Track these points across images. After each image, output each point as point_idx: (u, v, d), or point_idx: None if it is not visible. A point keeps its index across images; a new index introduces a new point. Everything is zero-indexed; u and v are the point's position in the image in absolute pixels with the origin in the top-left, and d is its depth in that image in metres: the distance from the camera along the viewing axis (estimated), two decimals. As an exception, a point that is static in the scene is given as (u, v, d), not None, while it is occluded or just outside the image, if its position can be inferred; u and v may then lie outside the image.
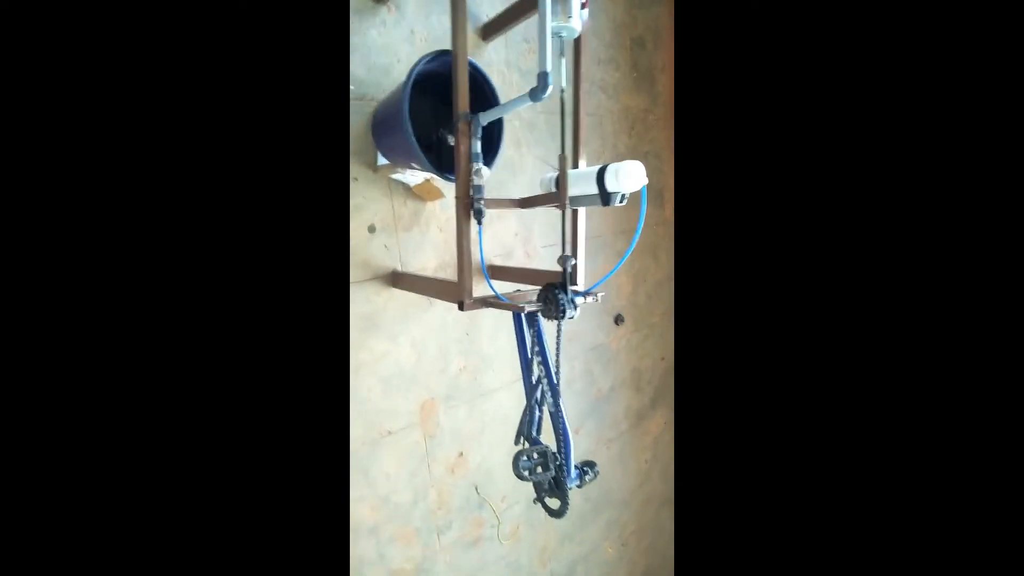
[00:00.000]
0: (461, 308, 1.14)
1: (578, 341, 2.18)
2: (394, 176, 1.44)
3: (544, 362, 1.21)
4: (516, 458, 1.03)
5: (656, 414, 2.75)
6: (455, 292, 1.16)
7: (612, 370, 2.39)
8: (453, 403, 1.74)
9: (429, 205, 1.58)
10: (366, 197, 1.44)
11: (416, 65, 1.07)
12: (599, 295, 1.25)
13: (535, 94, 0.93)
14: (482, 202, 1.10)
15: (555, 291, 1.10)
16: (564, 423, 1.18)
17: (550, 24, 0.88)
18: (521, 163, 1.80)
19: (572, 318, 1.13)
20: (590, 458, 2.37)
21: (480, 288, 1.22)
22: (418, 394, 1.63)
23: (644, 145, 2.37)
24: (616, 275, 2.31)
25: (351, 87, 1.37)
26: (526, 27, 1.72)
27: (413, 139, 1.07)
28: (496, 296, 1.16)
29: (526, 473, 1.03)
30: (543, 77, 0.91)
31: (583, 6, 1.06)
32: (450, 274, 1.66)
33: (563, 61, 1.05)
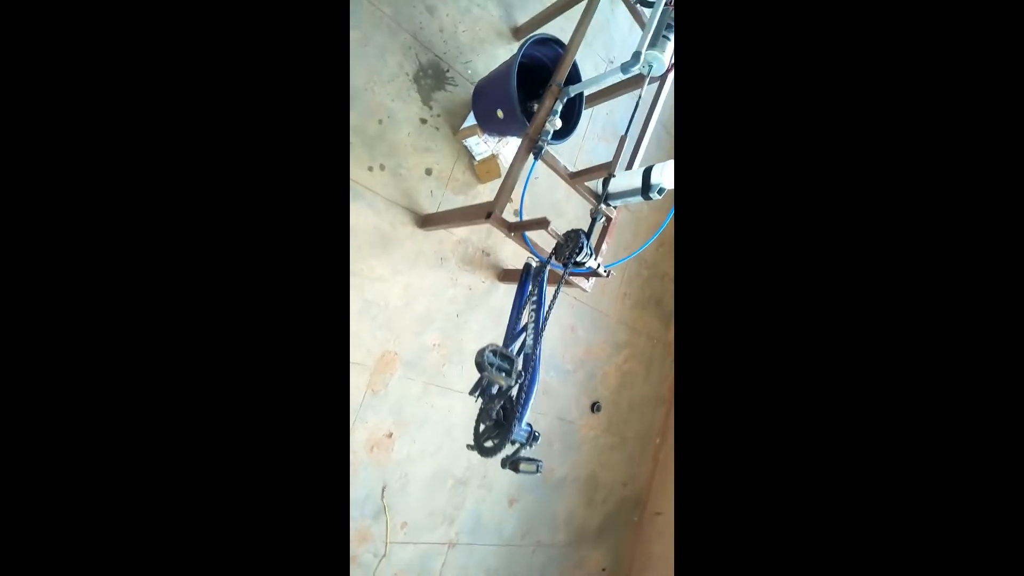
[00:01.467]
0: (487, 218, 1.19)
1: (552, 399, 2.05)
2: (467, 141, 1.64)
3: (539, 306, 1.19)
4: (484, 349, 0.95)
5: (597, 552, 2.34)
6: (485, 209, 1.22)
7: (571, 459, 2.16)
8: (411, 374, 1.59)
9: (480, 187, 1.74)
10: (438, 147, 1.62)
11: (527, 40, 1.35)
12: (611, 273, 1.29)
13: (626, 67, 1.16)
14: (544, 144, 1.25)
15: (580, 233, 1.16)
16: (537, 368, 1.10)
17: (658, 16, 1.14)
18: (567, 202, 2.01)
19: (583, 264, 1.16)
20: (507, 551, 1.96)
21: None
22: (385, 339, 1.53)
23: (664, 264, 2.59)
24: (605, 361, 2.28)
25: (468, 71, 1.68)
26: (609, 109, 2.12)
27: (515, 83, 1.29)
28: (521, 219, 1.21)
29: (487, 364, 0.92)
30: (637, 55, 1.14)
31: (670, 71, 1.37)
32: (472, 249, 1.72)
33: (646, 81, 1.31)
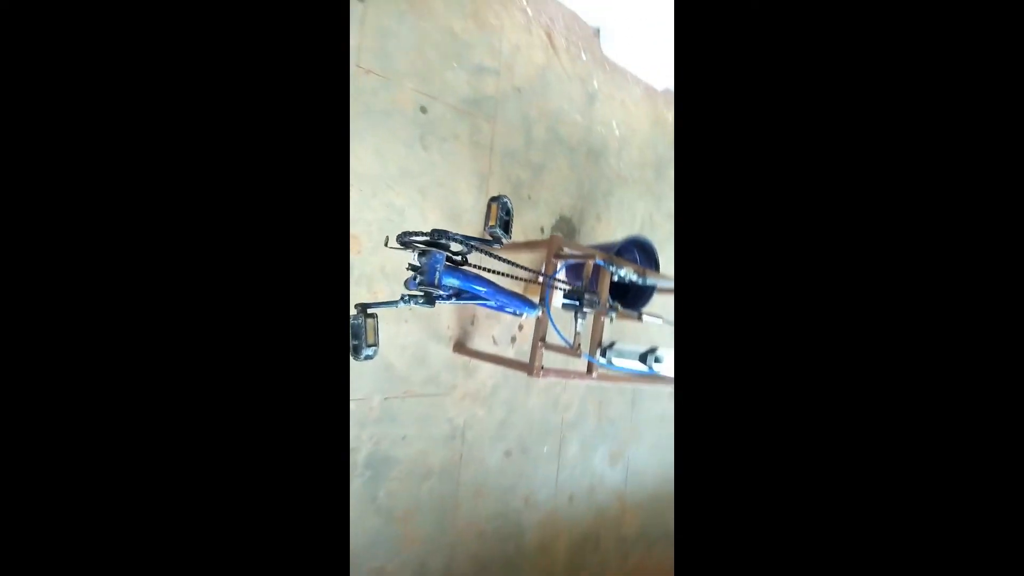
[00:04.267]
0: (551, 240, 1.38)
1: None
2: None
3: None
4: (500, 198, 0.97)
5: None
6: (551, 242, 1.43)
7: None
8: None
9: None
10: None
11: (637, 237, 1.80)
12: (595, 373, 1.27)
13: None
14: (622, 275, 1.52)
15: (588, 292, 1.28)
16: (486, 291, 1.06)
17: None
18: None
19: (591, 302, 1.22)
20: None
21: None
22: (370, 230, 1.50)
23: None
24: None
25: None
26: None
27: (618, 247, 1.71)
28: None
29: (500, 204, 0.95)
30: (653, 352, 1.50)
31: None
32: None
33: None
